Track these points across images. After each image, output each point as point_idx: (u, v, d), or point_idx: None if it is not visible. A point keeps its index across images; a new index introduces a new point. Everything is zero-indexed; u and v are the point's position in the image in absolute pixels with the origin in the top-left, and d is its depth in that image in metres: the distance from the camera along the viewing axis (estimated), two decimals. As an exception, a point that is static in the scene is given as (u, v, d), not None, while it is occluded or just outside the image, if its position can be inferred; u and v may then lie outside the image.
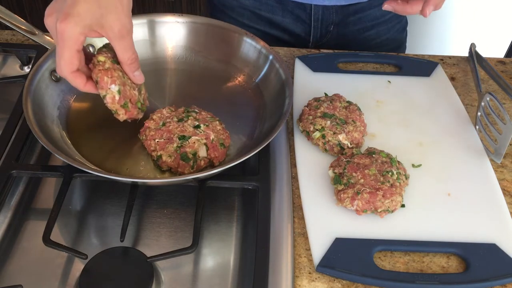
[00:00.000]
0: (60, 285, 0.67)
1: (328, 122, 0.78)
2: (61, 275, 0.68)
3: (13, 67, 0.95)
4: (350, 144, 0.78)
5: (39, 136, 0.69)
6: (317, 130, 0.78)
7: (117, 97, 0.67)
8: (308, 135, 0.80)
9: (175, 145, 0.72)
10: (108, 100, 0.68)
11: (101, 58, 0.68)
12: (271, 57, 0.85)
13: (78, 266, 0.68)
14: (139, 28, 0.88)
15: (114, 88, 0.67)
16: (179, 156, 0.71)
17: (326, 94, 0.86)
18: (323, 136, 0.78)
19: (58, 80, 0.80)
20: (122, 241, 0.65)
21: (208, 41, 0.90)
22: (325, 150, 0.78)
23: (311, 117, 0.80)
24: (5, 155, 0.74)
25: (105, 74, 0.67)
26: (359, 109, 0.82)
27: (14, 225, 0.72)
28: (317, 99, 0.83)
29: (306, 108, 0.82)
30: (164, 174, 0.73)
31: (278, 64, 0.83)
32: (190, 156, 0.71)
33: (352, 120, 0.79)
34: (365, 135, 0.80)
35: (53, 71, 0.80)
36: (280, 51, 1.00)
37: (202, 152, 0.72)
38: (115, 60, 0.69)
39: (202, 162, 0.72)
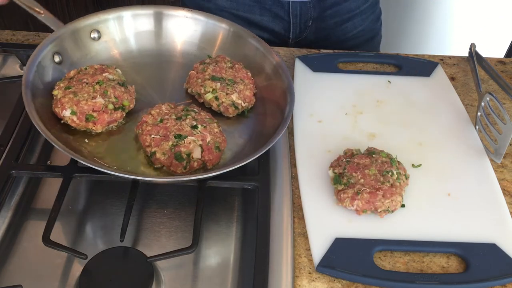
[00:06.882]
0: (60, 285, 0.67)
1: (218, 84, 0.79)
2: (61, 275, 0.68)
3: (13, 67, 0.95)
4: (244, 103, 0.79)
5: (42, 129, 0.68)
6: (208, 92, 0.79)
7: (75, 118, 0.73)
8: (199, 96, 0.81)
9: (170, 143, 0.71)
10: (71, 124, 0.74)
11: (54, 92, 0.76)
12: (272, 58, 0.85)
13: (78, 266, 0.68)
14: (146, 18, 0.89)
15: (66, 113, 0.73)
16: (173, 155, 0.71)
17: (209, 56, 0.87)
18: (216, 98, 0.79)
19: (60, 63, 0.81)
20: (122, 241, 0.65)
21: (213, 39, 0.90)
22: (220, 111, 0.80)
23: (200, 80, 0.81)
24: (5, 155, 0.74)
25: (56, 106, 0.74)
26: (244, 67, 0.84)
27: (14, 225, 0.72)
28: (202, 62, 0.84)
29: (193, 72, 0.83)
30: (157, 171, 0.73)
31: (279, 66, 0.83)
32: (184, 156, 0.70)
33: (241, 79, 0.80)
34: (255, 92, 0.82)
35: (56, 53, 0.80)
36: (280, 51, 0.99)
37: (196, 154, 0.71)
38: (71, 84, 0.76)
39: (195, 164, 0.71)
